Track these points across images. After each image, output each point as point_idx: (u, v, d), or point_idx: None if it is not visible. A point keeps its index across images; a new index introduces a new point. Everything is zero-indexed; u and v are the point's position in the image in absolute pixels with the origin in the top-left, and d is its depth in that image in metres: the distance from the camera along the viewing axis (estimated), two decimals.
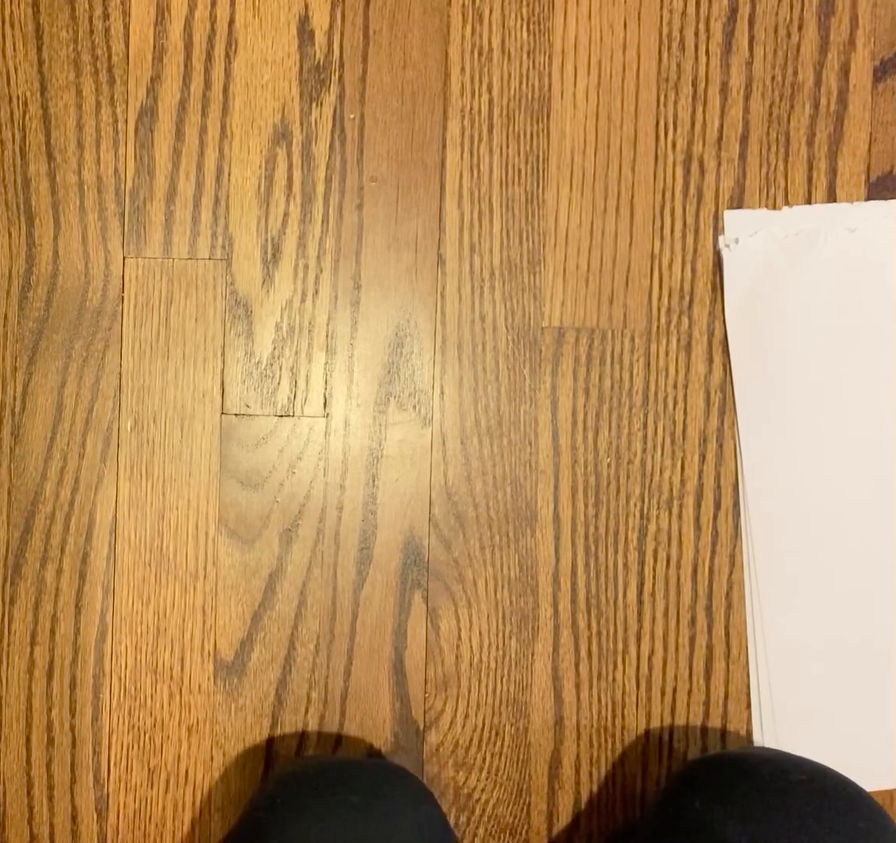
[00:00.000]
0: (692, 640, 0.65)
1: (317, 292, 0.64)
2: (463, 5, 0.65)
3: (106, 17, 0.63)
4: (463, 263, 0.65)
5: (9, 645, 0.63)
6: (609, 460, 0.65)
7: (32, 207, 0.63)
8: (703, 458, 0.65)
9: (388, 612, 0.64)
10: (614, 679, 0.65)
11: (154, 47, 0.63)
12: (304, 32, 0.64)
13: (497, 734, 0.65)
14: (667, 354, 0.65)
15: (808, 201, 0.66)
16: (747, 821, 0.53)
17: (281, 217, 0.64)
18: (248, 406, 0.64)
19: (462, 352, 0.64)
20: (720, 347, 0.66)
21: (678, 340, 0.65)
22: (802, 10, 0.66)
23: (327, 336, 0.64)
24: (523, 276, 0.65)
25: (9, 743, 0.63)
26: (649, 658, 0.65)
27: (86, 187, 0.63)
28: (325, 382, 0.64)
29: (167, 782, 0.64)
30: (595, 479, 0.65)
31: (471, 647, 0.64)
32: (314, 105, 0.64)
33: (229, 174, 0.64)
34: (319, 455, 0.64)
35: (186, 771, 0.64)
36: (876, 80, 0.66)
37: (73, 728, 0.63)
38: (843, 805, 0.54)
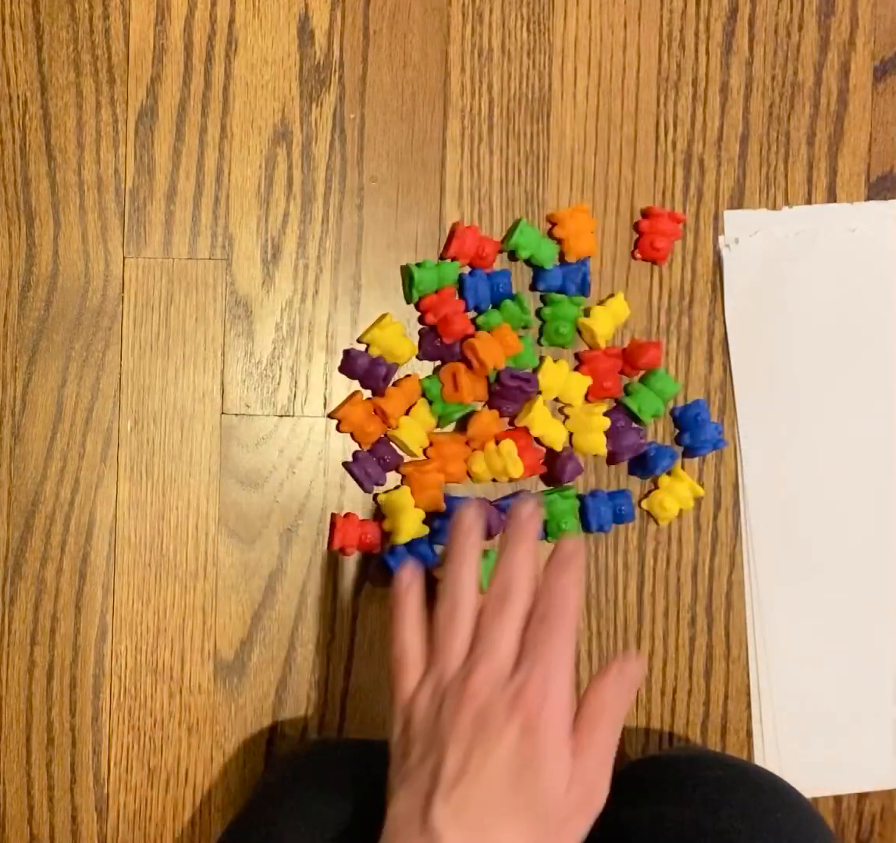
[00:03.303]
0: (692, 640, 0.65)
1: (317, 292, 0.64)
2: (463, 5, 0.65)
3: (106, 17, 0.63)
4: None
5: (9, 645, 0.63)
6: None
7: (32, 207, 0.63)
8: (702, 457, 0.65)
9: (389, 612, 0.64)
10: None
11: (154, 47, 0.63)
12: (304, 32, 0.64)
13: None
14: (667, 354, 0.65)
15: (808, 201, 0.66)
16: (662, 814, 0.53)
17: (281, 217, 0.64)
18: (248, 406, 0.64)
19: None
20: (720, 347, 0.66)
21: (678, 340, 0.65)
22: (802, 10, 0.66)
23: (327, 336, 0.64)
24: (524, 276, 0.65)
25: (9, 743, 0.63)
26: (649, 658, 0.65)
27: (86, 187, 0.63)
28: (325, 382, 0.64)
29: (167, 782, 0.64)
30: (595, 478, 0.65)
31: None
32: (314, 105, 0.64)
33: (229, 174, 0.64)
34: (319, 455, 0.64)
35: (186, 771, 0.64)
36: (876, 80, 0.66)
37: (73, 728, 0.63)
38: (766, 799, 0.53)
